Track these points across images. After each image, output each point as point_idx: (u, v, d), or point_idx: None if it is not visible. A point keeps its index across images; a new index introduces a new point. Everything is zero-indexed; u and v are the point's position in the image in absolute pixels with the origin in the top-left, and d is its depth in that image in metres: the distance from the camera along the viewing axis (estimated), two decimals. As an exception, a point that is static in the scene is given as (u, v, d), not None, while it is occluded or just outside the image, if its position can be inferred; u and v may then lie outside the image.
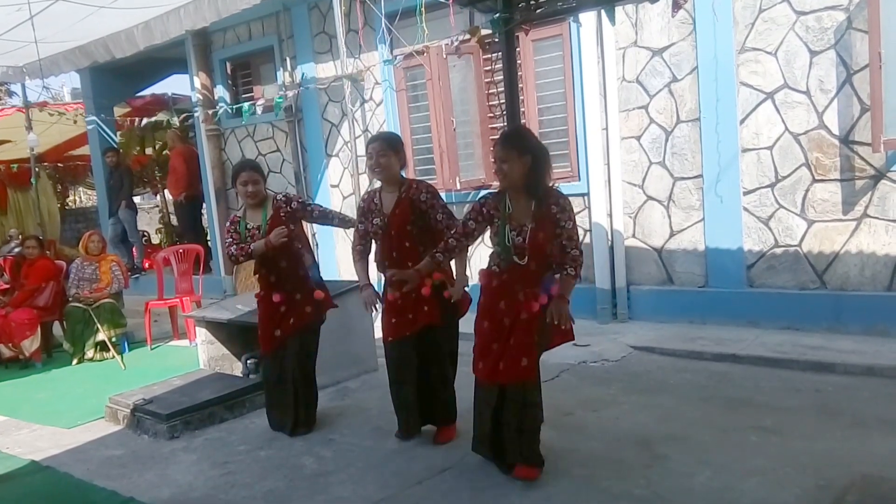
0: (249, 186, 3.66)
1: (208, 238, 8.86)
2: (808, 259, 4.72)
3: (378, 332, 4.75)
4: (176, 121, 8.14)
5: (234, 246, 3.67)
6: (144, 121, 8.86)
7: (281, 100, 6.97)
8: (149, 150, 11.18)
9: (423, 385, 3.41)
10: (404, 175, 3.50)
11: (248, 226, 3.69)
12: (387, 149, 3.37)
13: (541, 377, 2.97)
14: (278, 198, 3.74)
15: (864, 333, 4.43)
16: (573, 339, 3.00)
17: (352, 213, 6.77)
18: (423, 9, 5.25)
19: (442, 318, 3.35)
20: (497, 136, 5.79)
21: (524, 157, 2.79)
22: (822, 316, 4.61)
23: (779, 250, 4.81)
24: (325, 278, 3.94)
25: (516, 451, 2.93)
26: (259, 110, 7.02)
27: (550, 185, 2.90)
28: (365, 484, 3.11)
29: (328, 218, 3.96)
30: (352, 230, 3.70)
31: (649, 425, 3.45)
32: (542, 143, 2.97)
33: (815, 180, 4.62)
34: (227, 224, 3.83)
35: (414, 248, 3.33)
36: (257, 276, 3.82)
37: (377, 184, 3.59)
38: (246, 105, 7.12)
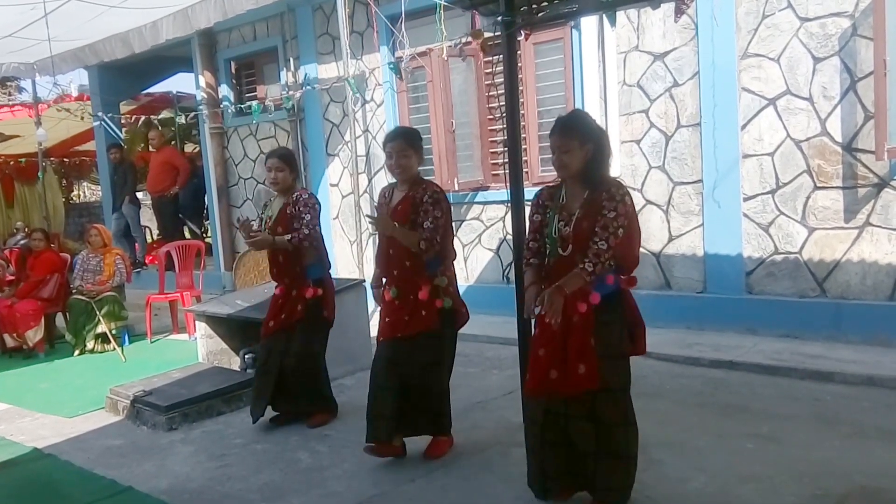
0: (272, 173, 3.71)
1: (208, 234, 8.91)
2: (808, 266, 4.70)
3: (374, 330, 4.78)
4: (182, 119, 8.21)
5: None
6: (154, 117, 8.92)
7: (289, 100, 7.03)
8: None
9: (405, 394, 3.15)
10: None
11: (266, 213, 3.78)
12: (408, 148, 3.20)
13: (627, 392, 2.64)
14: (294, 195, 3.71)
15: (865, 343, 4.39)
16: (644, 352, 2.74)
17: (351, 211, 6.84)
18: (442, 10, 5.23)
19: (439, 327, 3.17)
20: (496, 138, 5.92)
21: (586, 145, 2.56)
22: (822, 324, 4.58)
23: (779, 257, 4.80)
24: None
25: (600, 480, 2.61)
26: (272, 107, 7.10)
27: (610, 175, 2.64)
28: (359, 480, 3.12)
29: (301, 238, 3.66)
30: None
31: (645, 430, 3.38)
32: (601, 127, 2.74)
33: (816, 187, 4.61)
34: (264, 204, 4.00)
35: (409, 248, 3.13)
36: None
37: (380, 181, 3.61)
38: (255, 104, 7.22)
